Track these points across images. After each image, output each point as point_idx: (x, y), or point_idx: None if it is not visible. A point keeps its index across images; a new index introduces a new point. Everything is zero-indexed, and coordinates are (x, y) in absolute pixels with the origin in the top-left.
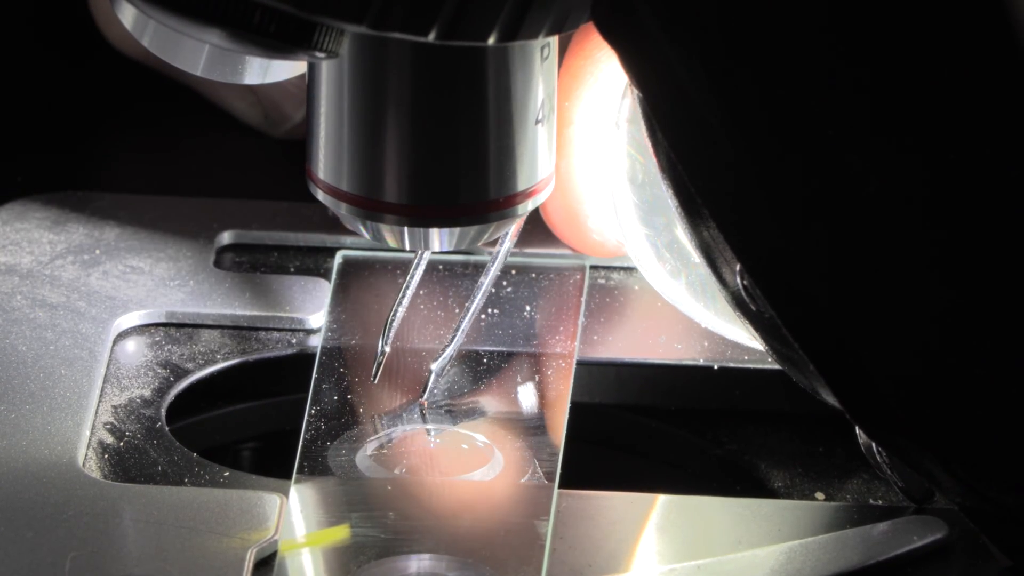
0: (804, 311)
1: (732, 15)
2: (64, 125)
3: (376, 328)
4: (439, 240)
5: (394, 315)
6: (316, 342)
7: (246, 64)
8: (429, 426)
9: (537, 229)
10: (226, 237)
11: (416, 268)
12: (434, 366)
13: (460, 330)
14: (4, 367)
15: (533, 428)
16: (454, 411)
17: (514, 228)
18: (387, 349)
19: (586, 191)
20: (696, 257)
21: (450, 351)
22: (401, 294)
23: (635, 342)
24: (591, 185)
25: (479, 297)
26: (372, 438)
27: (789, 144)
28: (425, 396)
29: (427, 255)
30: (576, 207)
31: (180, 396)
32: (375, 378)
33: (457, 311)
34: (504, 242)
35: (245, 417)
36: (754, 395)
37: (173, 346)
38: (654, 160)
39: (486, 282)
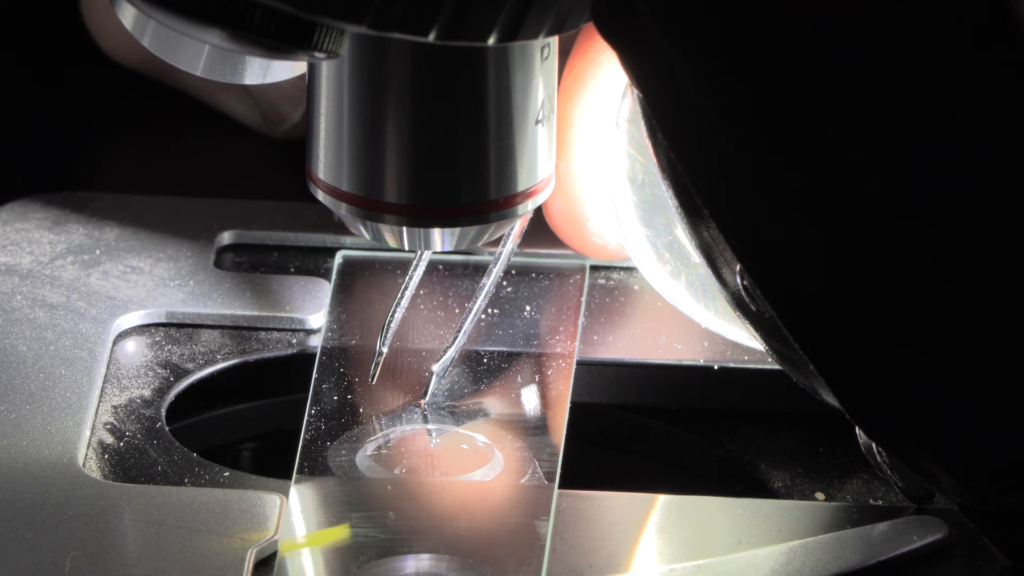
0: (804, 311)
1: (732, 16)
2: (64, 126)
3: (377, 328)
4: (439, 240)
5: (392, 315)
6: (316, 342)
7: (246, 64)
8: (429, 426)
9: (536, 229)
10: (226, 237)
11: (416, 268)
12: (435, 367)
13: (462, 331)
14: (4, 367)
15: (533, 428)
16: (454, 411)
17: (517, 228)
18: (384, 350)
19: (587, 193)
20: (696, 257)
21: (452, 352)
22: (400, 294)
23: (635, 342)
24: (592, 187)
25: (481, 298)
26: (372, 438)
27: (789, 144)
28: (426, 398)
29: (427, 255)
30: (577, 209)
31: (180, 396)
32: (373, 378)
33: (457, 311)
34: (507, 242)
35: (245, 417)
36: (754, 395)
37: (173, 346)
38: (654, 160)
39: (488, 283)
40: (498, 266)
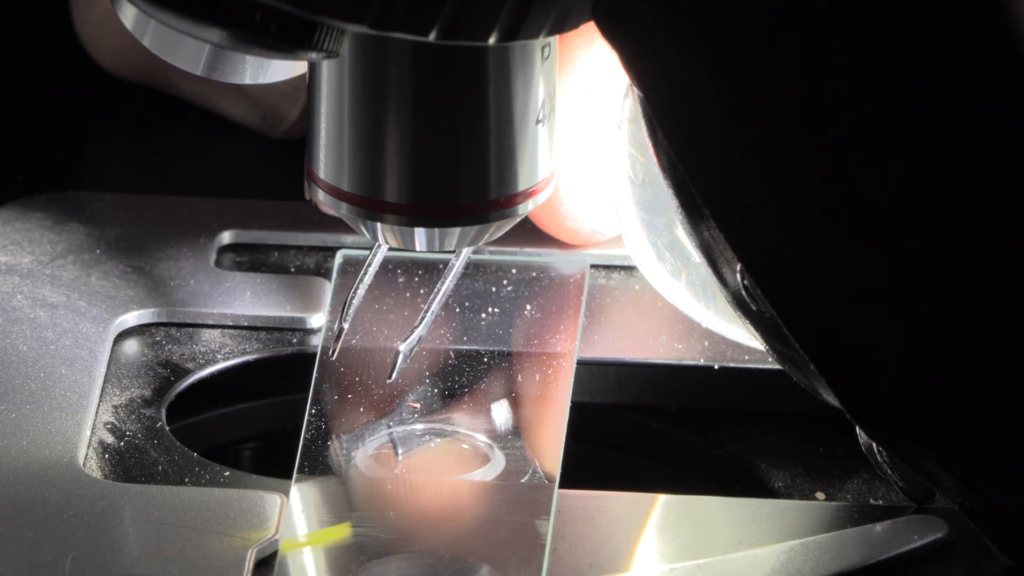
0: (805, 311)
1: (732, 15)
2: (65, 126)
3: (377, 328)
4: (439, 240)
5: (354, 292)
6: (316, 342)
7: (247, 64)
8: (429, 426)
9: (534, 229)
10: (226, 237)
11: (375, 254)
12: (402, 347)
13: (430, 312)
14: (5, 367)
15: (533, 428)
16: (455, 411)
17: None
18: (346, 325)
19: (561, 178)
20: (696, 257)
21: (419, 331)
22: (363, 271)
23: (635, 342)
24: (567, 172)
25: (450, 279)
26: (373, 437)
27: (789, 144)
28: (393, 377)
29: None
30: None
31: (180, 396)
32: (333, 354)
33: (458, 310)
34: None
35: (245, 417)
36: (754, 395)
37: (173, 346)
38: (655, 160)
39: (458, 264)
40: (467, 248)
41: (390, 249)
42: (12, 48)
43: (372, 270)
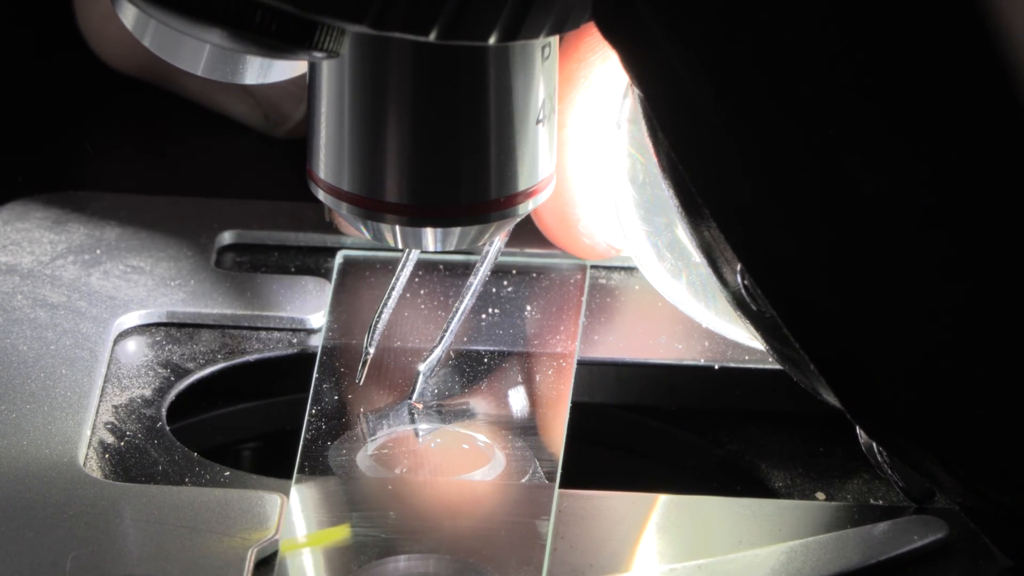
0: (805, 311)
1: (733, 15)
2: (65, 126)
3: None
4: (440, 240)
5: (379, 316)
6: (316, 342)
7: (246, 64)
8: (429, 426)
9: (535, 230)
10: (226, 237)
11: (403, 269)
12: (422, 367)
13: (449, 331)
14: (5, 367)
15: (533, 428)
16: (455, 411)
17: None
18: (371, 350)
19: (579, 195)
20: (697, 257)
21: (438, 352)
22: (387, 295)
23: (635, 342)
24: (584, 189)
25: (468, 297)
26: (373, 438)
27: (790, 144)
28: (414, 398)
29: (415, 256)
30: (568, 210)
31: (181, 396)
32: (360, 379)
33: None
34: (495, 242)
35: (245, 417)
36: (755, 395)
37: (174, 346)
38: (655, 160)
39: (476, 281)
40: (485, 265)
41: (391, 249)
42: (13, 46)
43: (396, 293)
